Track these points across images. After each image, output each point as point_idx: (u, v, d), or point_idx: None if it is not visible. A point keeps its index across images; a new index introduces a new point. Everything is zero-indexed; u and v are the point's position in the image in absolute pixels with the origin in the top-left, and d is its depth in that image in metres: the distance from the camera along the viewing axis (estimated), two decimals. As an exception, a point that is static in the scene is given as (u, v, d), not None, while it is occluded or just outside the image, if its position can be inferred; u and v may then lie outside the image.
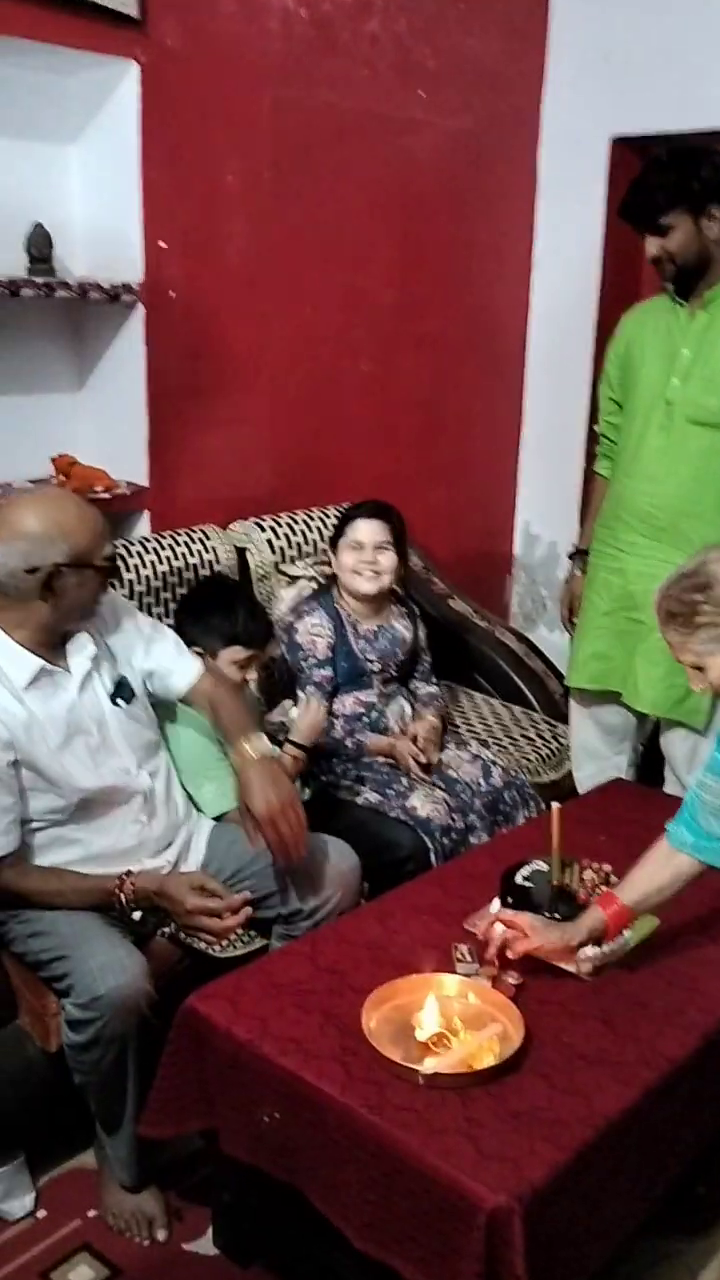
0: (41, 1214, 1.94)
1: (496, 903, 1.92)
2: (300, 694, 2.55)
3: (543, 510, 3.88)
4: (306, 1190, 1.58)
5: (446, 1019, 1.64)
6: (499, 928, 1.75)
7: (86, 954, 1.76)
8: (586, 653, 2.71)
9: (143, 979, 1.76)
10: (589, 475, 2.87)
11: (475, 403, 3.72)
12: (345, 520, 2.62)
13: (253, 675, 2.30)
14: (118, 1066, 1.78)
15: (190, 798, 2.18)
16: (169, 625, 2.55)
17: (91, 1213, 1.94)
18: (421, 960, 1.78)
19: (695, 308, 2.47)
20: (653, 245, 2.39)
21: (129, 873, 1.88)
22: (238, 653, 2.26)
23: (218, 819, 2.20)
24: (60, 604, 1.83)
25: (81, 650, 1.94)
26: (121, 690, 1.99)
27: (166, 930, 2.00)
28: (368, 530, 2.57)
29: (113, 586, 2.00)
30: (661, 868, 1.77)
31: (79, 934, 1.80)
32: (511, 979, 1.74)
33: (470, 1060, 1.57)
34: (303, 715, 2.32)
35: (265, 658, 2.44)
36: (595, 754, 2.84)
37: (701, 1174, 1.85)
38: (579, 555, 2.85)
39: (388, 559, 2.58)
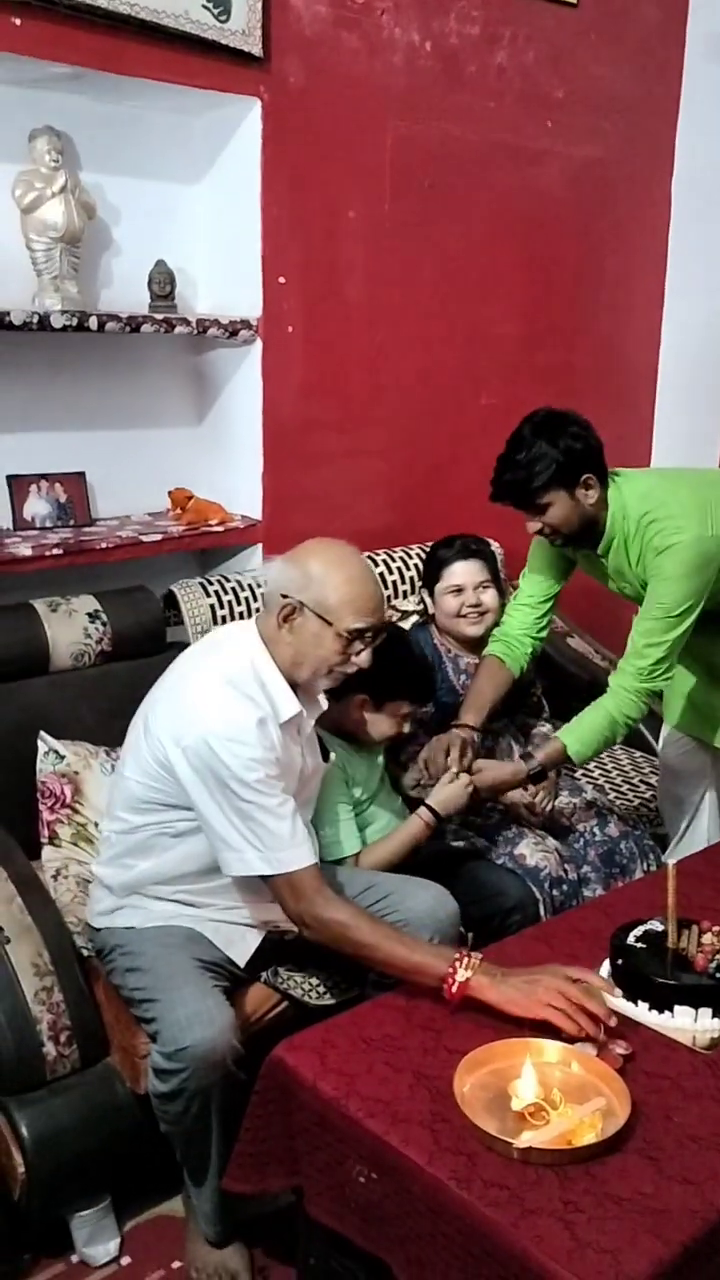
0: (125, 1261, 1.91)
1: (606, 965, 1.80)
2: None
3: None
4: (391, 1262, 1.48)
5: (546, 1089, 1.52)
6: None
7: (175, 1001, 1.71)
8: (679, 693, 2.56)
9: (229, 1032, 1.70)
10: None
11: (602, 435, 3.59)
12: (438, 565, 2.53)
13: (408, 728, 2.24)
14: (201, 1120, 1.73)
15: None
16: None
17: (176, 1264, 1.89)
18: (522, 1023, 1.67)
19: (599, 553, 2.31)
20: (533, 524, 2.23)
21: (461, 960, 1.69)
22: (402, 706, 2.20)
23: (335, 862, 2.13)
24: (296, 644, 1.85)
25: (318, 708, 2.01)
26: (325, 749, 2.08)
27: (264, 975, 1.95)
28: (465, 572, 2.49)
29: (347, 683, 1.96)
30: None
31: (171, 977, 1.76)
32: (620, 1049, 1.61)
33: (569, 1136, 1.45)
34: (447, 785, 2.21)
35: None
36: (680, 803, 2.68)
37: None
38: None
39: (490, 597, 2.49)
